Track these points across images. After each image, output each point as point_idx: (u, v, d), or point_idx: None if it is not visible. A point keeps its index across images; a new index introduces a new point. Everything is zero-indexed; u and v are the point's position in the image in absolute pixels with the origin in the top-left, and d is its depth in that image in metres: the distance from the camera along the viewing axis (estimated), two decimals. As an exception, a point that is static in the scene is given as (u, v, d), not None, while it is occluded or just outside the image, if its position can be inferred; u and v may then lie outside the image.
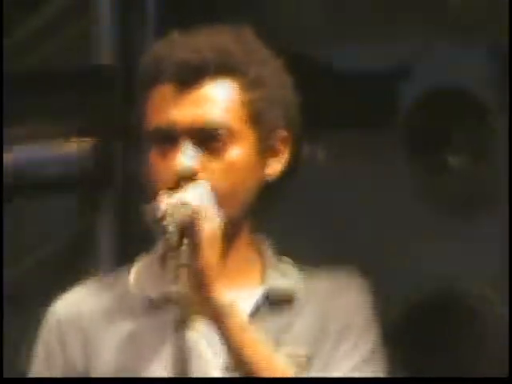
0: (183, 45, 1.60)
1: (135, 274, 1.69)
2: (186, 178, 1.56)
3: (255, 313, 1.63)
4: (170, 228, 1.47)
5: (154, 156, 1.59)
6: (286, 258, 1.71)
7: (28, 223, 3.55)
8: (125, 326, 1.68)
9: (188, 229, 1.51)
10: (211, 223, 1.52)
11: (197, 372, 1.57)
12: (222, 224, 1.56)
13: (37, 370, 1.74)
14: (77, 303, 1.70)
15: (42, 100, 3.36)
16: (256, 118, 1.62)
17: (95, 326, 1.69)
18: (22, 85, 3.44)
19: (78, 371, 1.67)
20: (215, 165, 1.59)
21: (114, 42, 3.43)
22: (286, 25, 3.19)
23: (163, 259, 1.54)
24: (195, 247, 1.50)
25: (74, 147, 3.32)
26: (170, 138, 1.57)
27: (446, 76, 3.33)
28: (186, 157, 1.55)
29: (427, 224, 3.33)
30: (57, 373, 1.69)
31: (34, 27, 3.38)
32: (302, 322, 1.67)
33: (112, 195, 3.43)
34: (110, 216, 3.48)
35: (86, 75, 3.41)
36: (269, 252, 1.70)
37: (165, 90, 1.59)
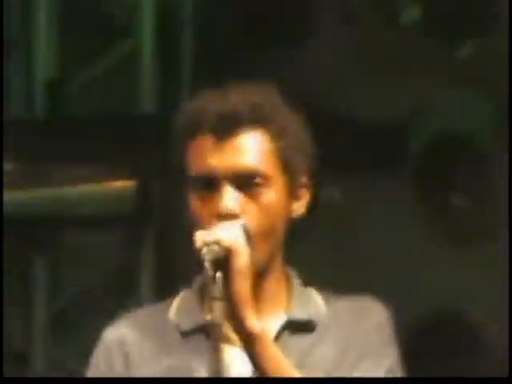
0: (219, 99, 1.69)
1: (175, 306, 1.76)
2: (227, 220, 1.64)
3: (278, 338, 1.69)
4: (206, 264, 1.54)
5: (194, 201, 1.66)
6: (309, 288, 1.77)
7: (71, 259, 3.77)
8: (161, 354, 1.73)
9: (221, 264, 1.57)
10: (243, 259, 1.58)
11: None
12: (254, 260, 1.64)
13: None
14: (124, 328, 1.76)
15: (88, 144, 3.63)
16: (284, 164, 1.70)
17: (137, 349, 1.76)
18: (70, 129, 3.76)
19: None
20: (252, 207, 1.67)
21: (154, 94, 3.72)
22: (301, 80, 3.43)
23: (201, 293, 1.67)
24: (228, 281, 1.56)
25: (120, 188, 3.63)
26: (210, 184, 1.64)
27: (451, 124, 3.64)
28: (229, 200, 1.62)
29: (434, 254, 3.63)
30: None
31: (88, 78, 3.70)
32: (322, 346, 1.71)
33: (152, 233, 3.65)
34: (149, 253, 3.68)
35: (129, 122, 3.71)
36: (295, 282, 1.76)
37: (205, 140, 1.66)
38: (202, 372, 1.59)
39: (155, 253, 3.69)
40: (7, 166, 3.77)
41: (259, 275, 1.65)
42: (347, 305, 1.73)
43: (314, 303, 1.74)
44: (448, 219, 3.71)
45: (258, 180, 1.67)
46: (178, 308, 1.73)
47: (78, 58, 3.71)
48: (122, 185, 3.66)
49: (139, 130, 3.67)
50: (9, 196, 3.73)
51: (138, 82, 3.73)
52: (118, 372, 1.72)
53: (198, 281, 1.70)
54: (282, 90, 1.75)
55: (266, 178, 1.67)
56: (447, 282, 3.74)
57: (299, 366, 1.63)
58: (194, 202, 1.65)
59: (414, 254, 3.67)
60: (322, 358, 1.67)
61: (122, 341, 1.75)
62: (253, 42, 3.75)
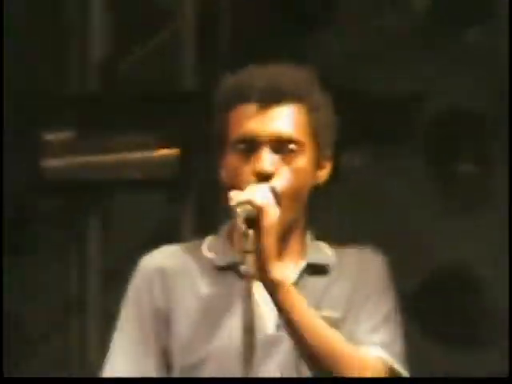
0: (263, 74, 1.86)
1: (206, 247, 1.90)
2: (263, 179, 1.77)
3: (298, 281, 1.85)
4: (238, 221, 1.68)
5: (235, 161, 1.81)
6: (320, 241, 1.95)
7: (126, 217, 4.15)
8: (198, 283, 1.87)
9: (253, 222, 1.70)
10: (271, 218, 1.71)
11: (258, 329, 1.77)
12: (281, 219, 1.76)
13: (127, 311, 1.93)
14: (161, 258, 1.90)
15: (139, 117, 4.00)
16: (315, 136, 1.86)
17: (175, 277, 1.88)
18: (121, 103, 4.12)
19: (160, 312, 1.87)
20: (285, 170, 1.81)
21: (195, 70, 4.07)
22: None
23: (229, 239, 1.87)
24: (258, 237, 1.69)
25: (164, 155, 4.00)
26: (251, 147, 1.79)
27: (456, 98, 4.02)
28: (267, 161, 1.76)
29: (440, 215, 3.97)
30: (144, 312, 1.89)
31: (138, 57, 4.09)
32: (335, 289, 1.87)
33: (193, 195, 4.02)
34: (189, 214, 4.03)
35: (173, 97, 4.08)
36: (308, 236, 1.92)
37: (248, 109, 1.82)
38: (237, 305, 1.75)
39: (195, 213, 4.03)
40: (66, 135, 4.09)
41: (285, 232, 1.81)
42: (352, 254, 1.92)
43: (325, 252, 1.92)
44: (456, 184, 4.11)
45: (292, 146, 1.82)
46: (209, 248, 1.89)
47: (128, 39, 4.10)
48: (168, 152, 3.99)
49: (182, 105, 4.01)
50: (68, 162, 4.04)
51: (181, 60, 4.06)
52: (157, 296, 1.88)
53: (224, 229, 1.88)
54: (315, 71, 1.93)
55: (299, 145, 1.83)
56: (456, 243, 4.06)
57: (316, 303, 1.81)
58: (234, 163, 1.80)
59: (425, 215, 4.00)
60: (335, 297, 1.85)
61: (161, 269, 1.89)
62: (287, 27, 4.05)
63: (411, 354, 1.97)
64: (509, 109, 4.28)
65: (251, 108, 1.82)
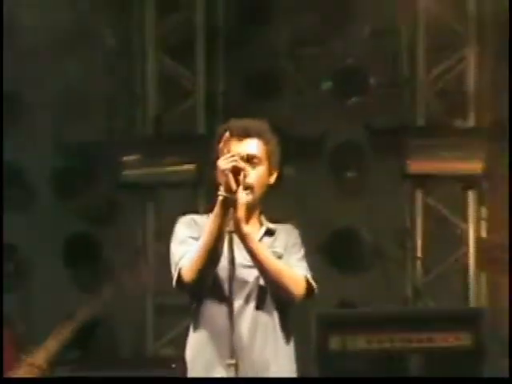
0: (240, 123, 3.01)
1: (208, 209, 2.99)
2: (237, 173, 2.81)
3: (261, 238, 3.00)
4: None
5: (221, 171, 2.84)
6: (268, 220, 3.12)
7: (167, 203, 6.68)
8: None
9: (231, 202, 2.80)
10: (245, 197, 2.83)
11: (236, 262, 2.85)
12: (251, 199, 2.87)
13: (175, 236, 3.00)
14: (190, 215, 3.07)
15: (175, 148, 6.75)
16: (268, 156, 2.98)
17: (198, 222, 3.00)
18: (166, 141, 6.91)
19: (192, 238, 2.95)
20: (253, 173, 2.90)
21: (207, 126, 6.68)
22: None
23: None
24: (235, 211, 2.81)
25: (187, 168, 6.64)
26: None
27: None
28: (241, 165, 2.84)
29: (336, 201, 6.63)
30: (185, 233, 2.98)
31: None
32: (277, 241, 3.04)
33: (204, 191, 6.55)
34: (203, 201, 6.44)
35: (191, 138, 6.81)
36: (263, 216, 3.10)
37: (232, 140, 2.89)
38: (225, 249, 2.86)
39: (207, 201, 6.06)
40: (135, 158, 6.73)
41: (251, 208, 2.94)
42: (283, 226, 3.12)
43: (271, 225, 3.10)
44: (344, 184, 6.77)
45: (255, 160, 2.95)
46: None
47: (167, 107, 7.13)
48: (188, 167, 6.69)
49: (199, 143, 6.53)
50: (136, 173, 6.64)
51: (199, 122, 6.79)
52: (190, 229, 3.00)
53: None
54: (268, 123, 3.07)
55: (259, 160, 2.95)
56: (346, 217, 6.63)
57: (269, 247, 2.98)
58: (221, 171, 2.87)
59: (327, 202, 6.63)
60: (278, 245, 3.05)
61: (191, 217, 3.07)
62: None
63: (319, 279, 3.07)
64: (509, 109, 6.10)
65: (233, 139, 2.93)
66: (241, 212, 2.80)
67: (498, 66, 6.23)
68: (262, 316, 2.91)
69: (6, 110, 6.47)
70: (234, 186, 2.79)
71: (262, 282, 2.92)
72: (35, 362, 5.55)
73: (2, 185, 6.51)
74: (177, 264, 2.93)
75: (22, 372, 5.47)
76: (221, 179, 2.82)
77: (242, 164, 2.83)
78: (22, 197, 6.81)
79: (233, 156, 2.82)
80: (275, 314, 2.94)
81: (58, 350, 5.75)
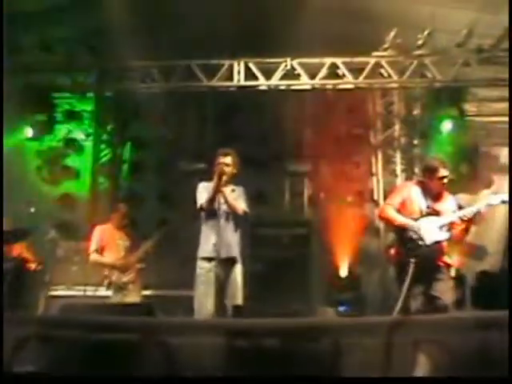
0: (224, 151, 7.55)
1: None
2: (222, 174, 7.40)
3: (230, 192, 7.56)
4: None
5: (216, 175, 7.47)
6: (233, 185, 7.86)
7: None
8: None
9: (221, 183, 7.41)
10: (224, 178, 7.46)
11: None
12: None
13: (198, 195, 7.48)
14: (204, 183, 7.53)
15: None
16: (234, 166, 7.56)
17: (208, 186, 7.48)
18: None
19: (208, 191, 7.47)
20: (229, 170, 7.51)
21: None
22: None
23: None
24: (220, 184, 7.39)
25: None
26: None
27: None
28: (224, 169, 7.46)
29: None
30: (205, 190, 7.48)
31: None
32: (235, 194, 7.54)
33: None
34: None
35: None
36: (231, 184, 7.71)
37: (219, 159, 7.52)
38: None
39: None
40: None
41: (226, 181, 7.53)
42: (238, 187, 7.78)
43: (234, 186, 7.70)
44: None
45: (230, 165, 7.55)
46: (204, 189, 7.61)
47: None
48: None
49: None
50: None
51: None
52: (206, 188, 7.50)
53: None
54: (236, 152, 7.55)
55: (232, 165, 7.57)
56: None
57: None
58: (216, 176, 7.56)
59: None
60: (235, 195, 7.60)
61: (205, 185, 7.56)
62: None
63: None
64: (509, 106, 7.66)
65: (219, 158, 7.55)
66: (222, 184, 7.31)
67: None
68: (230, 222, 7.18)
69: None
70: (217, 177, 7.23)
71: (228, 208, 7.22)
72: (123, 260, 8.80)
73: (2, 185, 7.83)
74: (199, 202, 7.27)
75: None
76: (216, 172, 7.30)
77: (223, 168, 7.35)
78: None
79: (219, 164, 7.34)
80: (233, 220, 7.23)
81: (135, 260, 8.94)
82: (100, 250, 8.93)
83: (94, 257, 8.85)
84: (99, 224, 9.20)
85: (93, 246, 8.93)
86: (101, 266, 8.89)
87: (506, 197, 6.75)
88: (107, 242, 8.99)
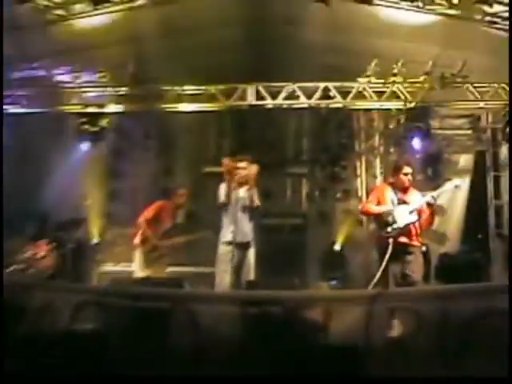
0: (238, 159, 7.39)
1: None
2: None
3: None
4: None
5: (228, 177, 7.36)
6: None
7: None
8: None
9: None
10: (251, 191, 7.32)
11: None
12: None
13: (221, 189, 7.40)
14: (224, 184, 7.34)
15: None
16: (249, 170, 7.35)
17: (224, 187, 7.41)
18: None
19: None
20: (244, 175, 7.38)
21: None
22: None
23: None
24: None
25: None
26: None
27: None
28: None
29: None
30: (223, 189, 7.40)
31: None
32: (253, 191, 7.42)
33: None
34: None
35: None
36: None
37: (234, 162, 7.30)
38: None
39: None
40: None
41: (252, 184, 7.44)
42: (253, 189, 7.52)
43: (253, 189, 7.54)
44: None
45: (246, 171, 7.36)
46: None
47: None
48: None
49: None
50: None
51: None
52: (224, 188, 7.40)
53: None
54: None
55: (248, 170, 7.36)
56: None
57: None
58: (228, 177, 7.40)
59: None
60: (252, 193, 7.50)
61: (222, 186, 7.46)
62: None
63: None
64: (509, 109, 7.36)
65: (234, 163, 7.37)
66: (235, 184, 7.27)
67: None
68: (245, 214, 7.13)
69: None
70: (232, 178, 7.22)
71: (248, 202, 7.15)
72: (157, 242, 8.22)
73: (2, 185, 7.20)
74: (219, 198, 7.13)
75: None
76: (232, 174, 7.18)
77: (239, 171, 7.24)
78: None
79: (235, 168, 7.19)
80: (248, 212, 7.16)
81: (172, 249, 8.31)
82: (153, 221, 8.28)
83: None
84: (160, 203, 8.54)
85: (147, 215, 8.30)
86: (148, 234, 8.25)
87: (462, 182, 7.10)
88: (164, 217, 8.38)
